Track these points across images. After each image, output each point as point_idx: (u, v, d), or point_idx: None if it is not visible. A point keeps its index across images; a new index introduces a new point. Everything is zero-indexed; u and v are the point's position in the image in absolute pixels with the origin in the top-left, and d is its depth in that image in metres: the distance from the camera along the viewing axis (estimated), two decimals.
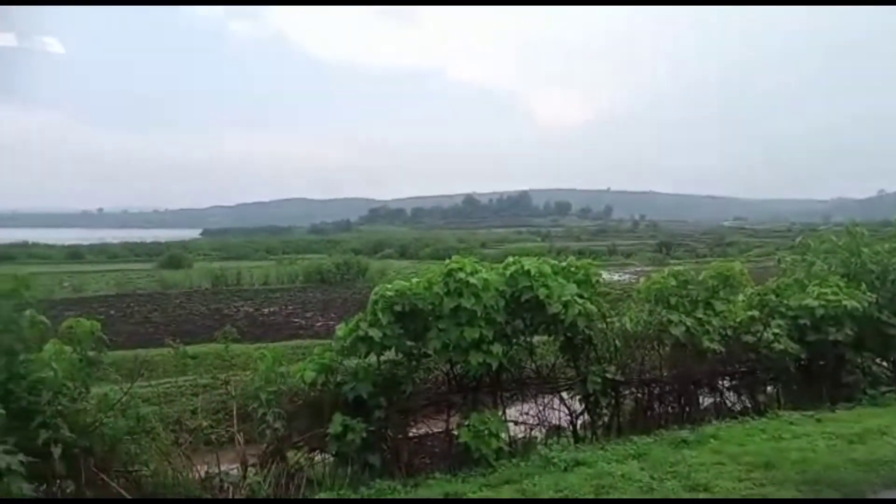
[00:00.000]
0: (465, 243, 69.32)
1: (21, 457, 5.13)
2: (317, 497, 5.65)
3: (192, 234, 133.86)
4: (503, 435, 6.70)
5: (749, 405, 8.53)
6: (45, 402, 5.64)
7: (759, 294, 9.02)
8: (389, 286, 6.94)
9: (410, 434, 7.09)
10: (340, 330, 6.91)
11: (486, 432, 6.48)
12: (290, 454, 6.65)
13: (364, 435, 6.36)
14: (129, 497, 5.91)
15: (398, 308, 6.78)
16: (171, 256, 50.13)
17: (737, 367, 8.58)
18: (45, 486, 5.64)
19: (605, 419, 7.79)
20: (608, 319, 7.95)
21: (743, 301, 8.93)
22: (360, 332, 6.68)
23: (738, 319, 8.47)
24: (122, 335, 19.96)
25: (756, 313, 8.61)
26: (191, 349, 12.83)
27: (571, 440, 7.49)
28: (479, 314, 6.64)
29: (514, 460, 6.26)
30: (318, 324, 21.69)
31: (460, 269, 6.80)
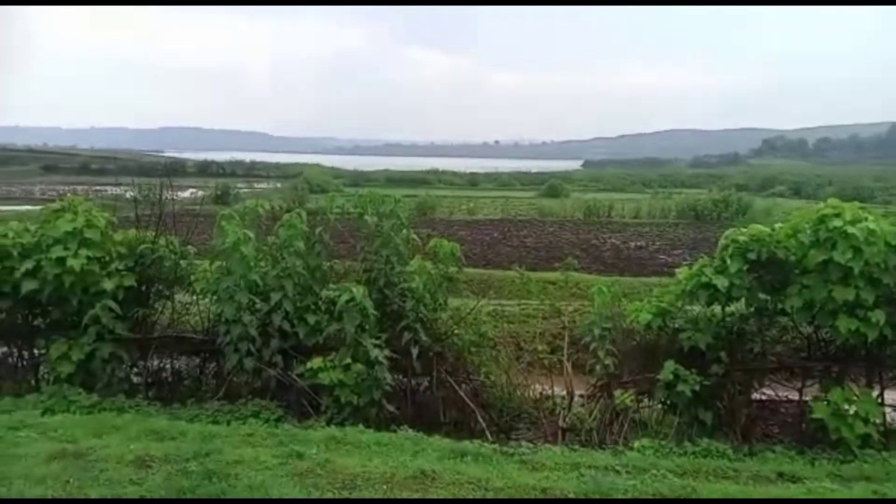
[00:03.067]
0: (884, 183, 57.35)
1: (387, 352, 6.13)
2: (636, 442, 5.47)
3: (573, 165, 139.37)
4: (875, 420, 5.50)
5: None
6: (410, 309, 6.57)
7: None
8: (744, 230, 6.15)
9: (752, 397, 6.32)
10: (682, 273, 6.42)
11: (852, 413, 5.40)
12: (617, 392, 6.59)
13: (697, 388, 5.89)
14: (470, 402, 6.61)
15: (752, 256, 5.97)
16: (551, 186, 53.11)
17: None
18: (404, 378, 6.67)
19: None
20: None
21: None
22: (704, 279, 6.10)
23: None
24: (500, 255, 22.15)
25: None
26: (550, 275, 13.60)
27: None
28: (856, 272, 5.43)
29: (884, 454, 5.10)
30: (686, 262, 20.72)
31: (836, 216, 5.62)
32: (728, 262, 6.03)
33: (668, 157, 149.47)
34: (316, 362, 6.07)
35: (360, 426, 5.33)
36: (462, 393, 6.67)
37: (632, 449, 5.33)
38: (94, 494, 3.68)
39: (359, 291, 6.13)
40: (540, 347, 7.19)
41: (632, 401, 6.55)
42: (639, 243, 26.53)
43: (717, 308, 6.25)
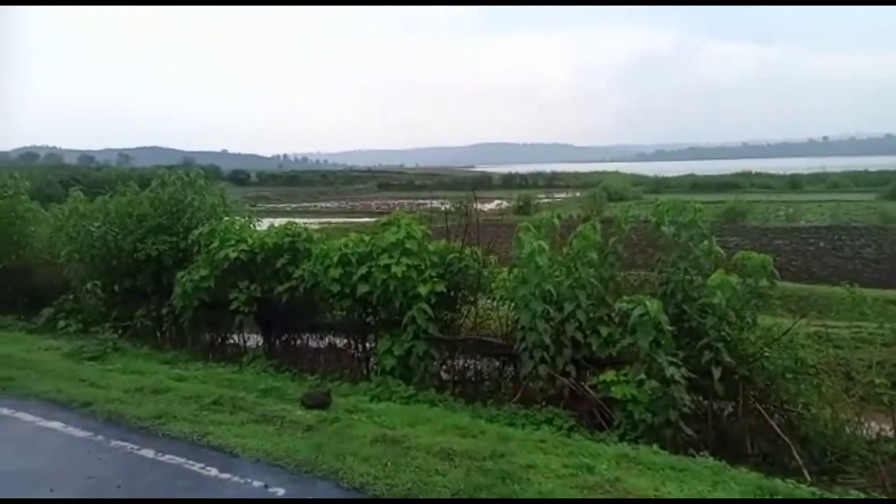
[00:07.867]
0: None
1: (684, 371, 5.79)
2: None
3: None
4: None
5: None
6: (710, 326, 6.11)
7: None
8: None
9: None
10: None
11: None
12: None
13: None
14: (783, 434, 5.86)
15: None
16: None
17: None
18: (704, 400, 6.19)
19: None
20: None
21: None
22: None
23: None
24: (828, 268, 19.32)
25: None
26: (893, 294, 11.42)
27: None
28: None
29: None
30: None
31: None
32: None
33: None
34: (609, 375, 5.99)
35: (655, 447, 5.10)
36: (774, 423, 5.95)
37: None
38: (405, 478, 4.15)
39: (653, 305, 5.88)
40: (877, 380, 6.03)
41: None
42: None
43: None
